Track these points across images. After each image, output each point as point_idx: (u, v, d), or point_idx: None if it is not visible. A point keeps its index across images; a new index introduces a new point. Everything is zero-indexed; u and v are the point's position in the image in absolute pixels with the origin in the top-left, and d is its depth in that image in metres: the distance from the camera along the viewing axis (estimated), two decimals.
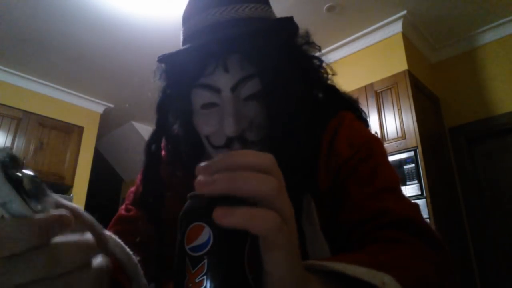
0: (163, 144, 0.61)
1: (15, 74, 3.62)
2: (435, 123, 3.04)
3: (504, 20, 2.93)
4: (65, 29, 3.00)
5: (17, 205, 0.23)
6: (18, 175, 0.24)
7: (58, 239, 0.24)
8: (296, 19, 0.54)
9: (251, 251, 0.25)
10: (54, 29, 2.99)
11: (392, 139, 2.71)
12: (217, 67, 0.50)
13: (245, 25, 0.51)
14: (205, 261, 0.24)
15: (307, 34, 0.59)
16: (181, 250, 0.26)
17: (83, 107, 4.16)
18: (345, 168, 0.52)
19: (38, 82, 3.79)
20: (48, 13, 2.82)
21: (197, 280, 0.24)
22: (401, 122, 2.69)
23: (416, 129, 2.59)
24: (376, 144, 0.55)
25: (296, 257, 0.27)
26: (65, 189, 3.84)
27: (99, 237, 0.32)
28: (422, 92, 2.93)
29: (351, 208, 0.49)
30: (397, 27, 2.91)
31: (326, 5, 2.74)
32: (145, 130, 4.63)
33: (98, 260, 0.27)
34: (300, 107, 0.53)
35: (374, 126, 2.80)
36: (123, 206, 0.66)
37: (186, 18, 0.57)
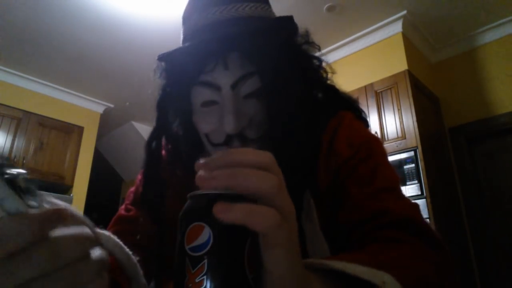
0: (163, 143, 0.61)
1: (15, 74, 3.62)
2: (435, 123, 3.04)
3: (504, 20, 2.93)
4: (65, 29, 3.00)
5: (13, 202, 0.23)
6: (12, 173, 0.24)
7: (56, 233, 0.24)
8: (296, 19, 0.54)
9: (251, 251, 0.25)
10: (54, 29, 2.99)
11: (392, 139, 2.71)
12: (217, 64, 0.50)
13: (245, 24, 0.51)
14: (205, 261, 0.24)
15: (306, 34, 0.59)
16: (181, 250, 0.26)
17: (83, 107, 4.16)
18: (345, 168, 0.52)
19: (38, 82, 3.78)
20: (48, 13, 2.82)
21: (197, 280, 0.24)
22: (401, 122, 2.69)
23: (416, 129, 2.59)
24: (375, 144, 0.55)
25: (296, 255, 0.27)
26: (65, 189, 3.84)
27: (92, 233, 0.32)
28: (422, 92, 2.93)
29: (351, 208, 0.49)
30: (397, 27, 2.91)
31: (326, 5, 2.74)
32: (145, 130, 4.63)
33: (97, 252, 0.27)
34: (299, 106, 0.53)
35: (374, 126, 2.79)
36: (123, 206, 0.65)
37: (186, 17, 0.57)
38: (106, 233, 0.36)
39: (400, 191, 0.52)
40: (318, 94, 0.61)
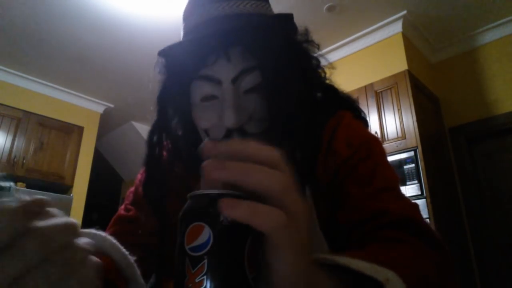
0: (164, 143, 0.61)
1: (15, 74, 3.62)
2: (435, 123, 3.04)
3: (504, 20, 2.93)
4: (65, 29, 3.00)
5: None
6: None
7: (41, 223, 0.24)
8: (296, 19, 0.54)
9: (251, 251, 0.25)
10: (54, 29, 2.99)
11: (392, 139, 2.71)
12: (219, 58, 0.50)
13: (247, 19, 0.52)
14: (205, 261, 0.24)
15: (306, 32, 0.59)
16: (181, 250, 0.26)
17: (83, 107, 4.16)
18: (344, 168, 0.52)
19: (38, 82, 3.78)
20: (48, 13, 2.81)
21: (197, 280, 0.24)
22: (401, 122, 2.69)
23: (416, 129, 2.59)
24: (375, 144, 0.55)
25: (303, 255, 0.26)
26: (65, 189, 3.84)
27: None
28: (422, 92, 2.93)
29: (351, 208, 0.49)
30: (397, 27, 2.91)
31: (326, 5, 2.74)
32: (145, 130, 4.61)
33: (82, 240, 0.27)
34: (299, 103, 0.53)
35: (374, 126, 2.79)
36: (123, 206, 0.65)
37: (187, 14, 0.57)
38: (102, 234, 0.36)
39: (400, 191, 0.52)
40: (317, 94, 0.61)
